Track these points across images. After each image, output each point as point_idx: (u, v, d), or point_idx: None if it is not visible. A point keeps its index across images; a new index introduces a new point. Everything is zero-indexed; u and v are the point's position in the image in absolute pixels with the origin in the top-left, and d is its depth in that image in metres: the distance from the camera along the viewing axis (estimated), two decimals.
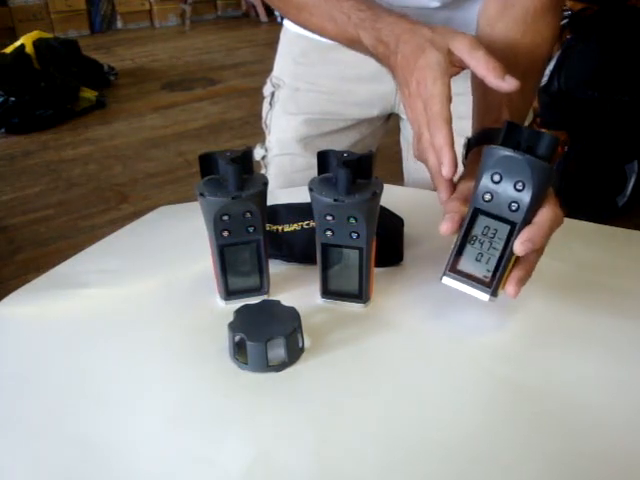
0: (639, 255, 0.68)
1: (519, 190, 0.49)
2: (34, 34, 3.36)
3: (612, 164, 2.07)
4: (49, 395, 0.50)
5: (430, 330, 0.55)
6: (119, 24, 5.11)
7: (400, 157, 1.02)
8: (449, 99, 0.54)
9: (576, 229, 0.73)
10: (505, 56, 0.62)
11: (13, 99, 2.92)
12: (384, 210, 0.63)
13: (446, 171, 0.52)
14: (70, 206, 2.34)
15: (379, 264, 0.59)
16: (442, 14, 0.83)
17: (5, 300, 0.61)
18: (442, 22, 0.84)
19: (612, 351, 0.53)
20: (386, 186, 0.55)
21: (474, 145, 0.59)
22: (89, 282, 0.63)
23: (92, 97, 3.28)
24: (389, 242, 0.62)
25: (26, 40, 3.29)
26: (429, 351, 0.53)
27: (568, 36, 1.94)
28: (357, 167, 0.53)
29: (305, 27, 0.71)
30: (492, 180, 0.50)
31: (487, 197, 0.51)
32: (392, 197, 0.63)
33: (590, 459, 0.43)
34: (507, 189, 0.50)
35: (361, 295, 0.58)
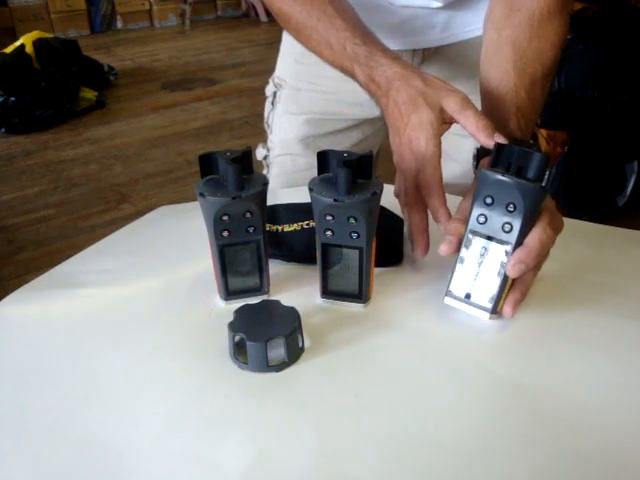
0: (639, 255, 0.68)
1: (511, 212, 0.51)
2: (34, 34, 3.36)
3: (612, 164, 2.07)
4: (49, 395, 0.50)
5: (430, 330, 0.55)
6: (119, 24, 5.11)
7: None
8: (440, 159, 0.57)
9: (576, 229, 0.73)
10: (513, 64, 0.62)
11: (13, 99, 2.92)
12: (384, 210, 0.63)
13: (446, 229, 0.56)
14: (70, 206, 2.34)
15: (379, 264, 0.59)
16: (443, 14, 0.83)
17: (5, 300, 0.61)
18: (443, 22, 0.84)
19: (612, 351, 0.53)
20: (386, 186, 0.55)
21: (483, 155, 0.60)
22: (89, 282, 0.63)
23: (92, 97, 3.28)
24: (389, 242, 0.62)
25: (26, 40, 3.29)
26: (429, 351, 0.53)
27: (568, 36, 1.94)
28: (357, 167, 0.53)
29: (303, 45, 0.71)
30: (485, 203, 0.52)
31: (481, 219, 0.52)
32: (392, 197, 0.63)
33: (589, 459, 0.43)
34: (499, 211, 0.51)
35: (361, 295, 0.58)
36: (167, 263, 0.66)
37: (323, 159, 0.56)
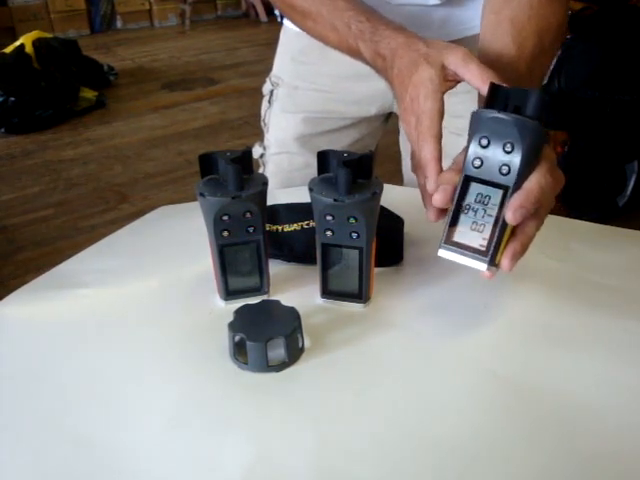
0: (639, 255, 0.68)
1: (508, 152, 0.47)
2: (34, 34, 3.36)
3: (612, 164, 2.07)
4: (49, 395, 0.50)
5: (430, 330, 0.55)
6: (119, 24, 5.11)
7: (400, 157, 1.02)
8: (441, 115, 0.54)
9: (576, 229, 0.73)
10: (512, 38, 0.62)
11: (13, 99, 2.92)
12: (384, 210, 0.63)
13: (430, 186, 0.52)
14: (70, 206, 2.34)
15: (379, 264, 0.59)
16: (441, 11, 0.83)
17: (5, 300, 0.61)
18: (441, 20, 0.84)
19: (612, 351, 0.53)
20: (386, 186, 0.55)
21: None
22: (89, 282, 0.63)
23: (92, 97, 3.28)
24: (389, 242, 0.62)
25: (26, 40, 3.29)
26: (429, 351, 0.53)
27: (568, 36, 1.94)
28: (357, 167, 0.53)
29: (310, 34, 0.71)
30: (480, 145, 0.49)
31: (477, 163, 0.49)
32: (392, 197, 0.63)
33: (590, 459, 0.43)
34: (496, 152, 0.48)
35: (361, 295, 0.58)
36: (167, 263, 0.66)
37: (323, 159, 0.56)
